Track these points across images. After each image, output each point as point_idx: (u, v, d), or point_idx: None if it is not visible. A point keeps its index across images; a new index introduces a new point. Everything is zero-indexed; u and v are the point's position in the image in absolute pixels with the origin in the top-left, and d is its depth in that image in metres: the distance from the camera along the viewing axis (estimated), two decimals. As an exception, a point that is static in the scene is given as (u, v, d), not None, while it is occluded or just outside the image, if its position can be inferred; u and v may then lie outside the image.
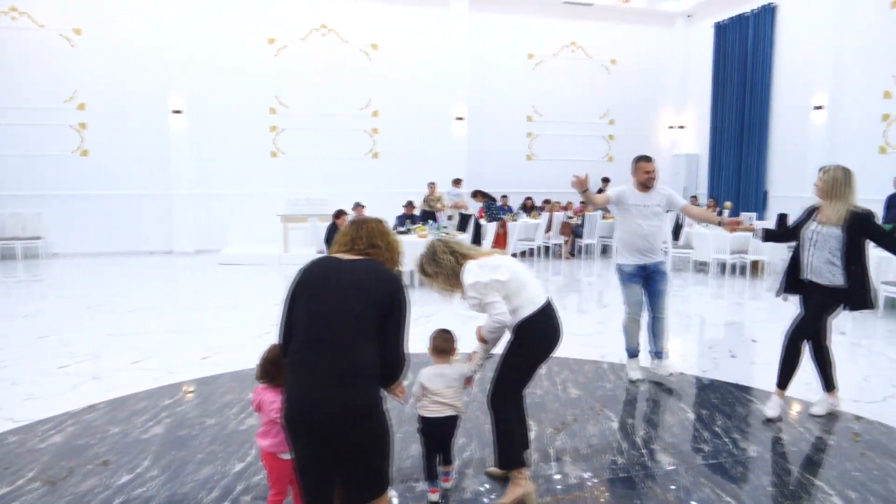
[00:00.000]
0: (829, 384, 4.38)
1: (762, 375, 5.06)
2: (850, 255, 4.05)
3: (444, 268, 3.17)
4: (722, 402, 4.64)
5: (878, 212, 10.71)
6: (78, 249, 12.77)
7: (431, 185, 13.24)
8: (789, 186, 13.34)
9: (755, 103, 14.10)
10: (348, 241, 2.53)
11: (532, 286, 3.21)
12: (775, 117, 13.80)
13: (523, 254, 12.97)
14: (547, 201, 14.46)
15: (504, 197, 14.84)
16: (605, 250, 13.42)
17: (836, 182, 4.12)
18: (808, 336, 4.26)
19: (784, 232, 4.60)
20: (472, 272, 3.08)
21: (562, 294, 9.39)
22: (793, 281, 4.34)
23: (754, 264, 10.67)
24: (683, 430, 4.15)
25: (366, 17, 14.35)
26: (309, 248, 11.39)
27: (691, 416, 4.42)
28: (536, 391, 4.73)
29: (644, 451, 3.82)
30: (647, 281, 5.00)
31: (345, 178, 14.33)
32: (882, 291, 7.50)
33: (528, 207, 14.68)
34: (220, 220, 13.80)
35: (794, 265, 4.33)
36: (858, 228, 4.04)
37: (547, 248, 13.24)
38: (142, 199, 13.21)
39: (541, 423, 4.20)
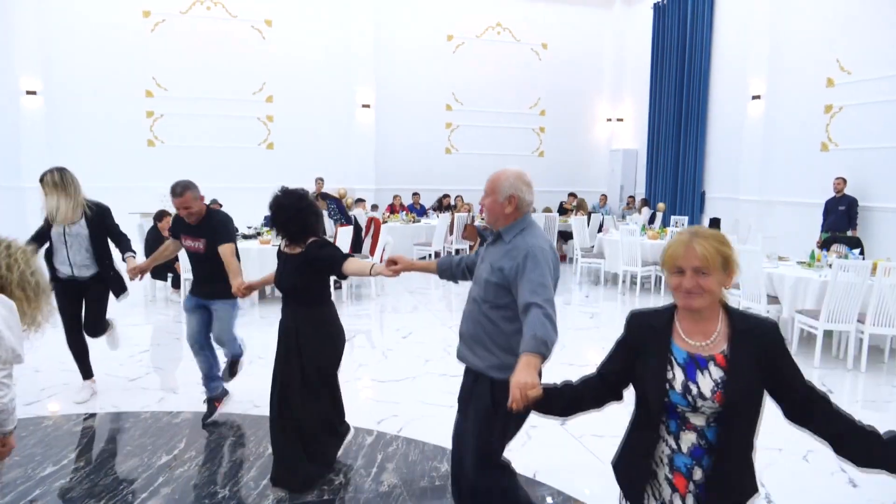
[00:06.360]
0: (86, 373, 4.55)
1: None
2: (99, 248, 4.33)
3: None
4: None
5: (818, 219, 9.28)
6: None
7: (318, 182, 11.60)
8: (726, 187, 11.86)
9: (693, 94, 12.60)
10: None
11: None
12: (713, 110, 12.30)
13: (422, 259, 11.38)
14: (460, 198, 12.92)
15: (415, 195, 13.25)
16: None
17: (65, 183, 4.17)
18: (73, 324, 4.41)
19: (37, 236, 4.34)
20: None
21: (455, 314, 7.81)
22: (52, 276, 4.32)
23: (672, 277, 9.15)
24: None
25: (258, -11, 12.67)
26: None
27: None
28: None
29: None
30: None
31: (235, 171, 12.65)
32: (797, 322, 5.99)
33: (445, 206, 13.12)
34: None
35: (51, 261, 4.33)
36: (99, 223, 4.30)
37: (457, 253, 11.66)
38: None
39: None
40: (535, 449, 3.81)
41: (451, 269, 2.85)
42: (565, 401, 1.84)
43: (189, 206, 3.83)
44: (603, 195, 14.14)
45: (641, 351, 1.72)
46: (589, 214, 12.10)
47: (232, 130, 12.82)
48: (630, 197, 14.07)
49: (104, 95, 12.01)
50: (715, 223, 11.24)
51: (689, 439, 1.65)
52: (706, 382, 1.61)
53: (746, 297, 6.39)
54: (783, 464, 3.68)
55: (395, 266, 2.87)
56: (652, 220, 12.28)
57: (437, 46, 13.91)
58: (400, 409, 4.35)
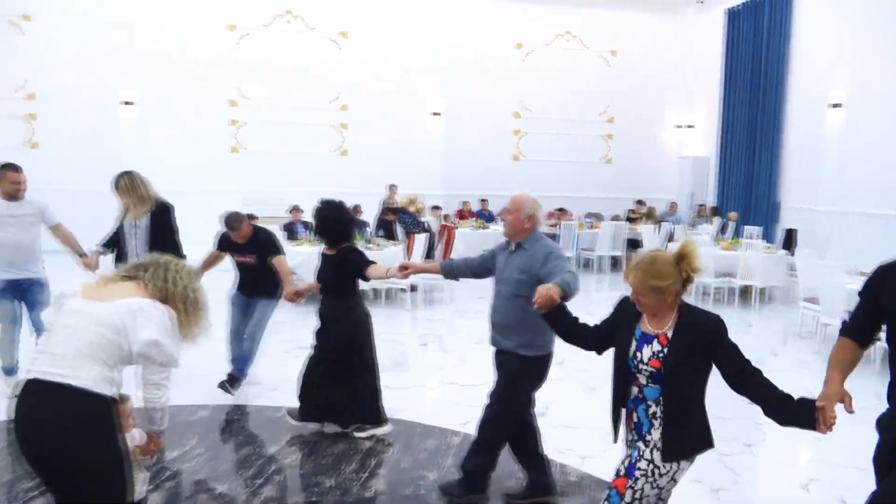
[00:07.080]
0: None
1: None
2: (155, 242, 4.68)
3: None
4: None
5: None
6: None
7: (392, 188, 11.98)
8: (803, 197, 11.57)
9: (768, 101, 12.36)
10: None
11: None
12: (790, 117, 12.04)
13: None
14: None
15: (483, 201, 13.52)
16: (589, 264, 11.82)
17: (134, 185, 4.75)
18: None
19: (110, 240, 4.96)
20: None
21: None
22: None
23: (745, 289, 9.08)
24: None
25: (335, 2, 13.20)
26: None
27: None
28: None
29: None
30: (24, 295, 4.85)
31: (311, 176, 13.18)
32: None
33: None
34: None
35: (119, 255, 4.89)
36: (156, 218, 4.81)
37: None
38: (85, 194, 12.37)
39: None
40: (617, 454, 3.98)
41: (453, 271, 3.61)
42: (569, 323, 2.57)
43: (246, 235, 4.71)
44: (672, 203, 14.02)
45: (620, 326, 2.42)
46: (658, 223, 12.04)
47: (309, 138, 13.42)
48: (700, 205, 13.90)
49: (193, 105, 12.80)
50: (790, 234, 11.02)
51: (632, 391, 2.35)
52: (647, 352, 2.28)
53: (825, 312, 6.35)
54: (867, 485, 3.72)
55: (405, 271, 3.61)
56: (723, 229, 12.11)
57: (507, 55, 14.14)
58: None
